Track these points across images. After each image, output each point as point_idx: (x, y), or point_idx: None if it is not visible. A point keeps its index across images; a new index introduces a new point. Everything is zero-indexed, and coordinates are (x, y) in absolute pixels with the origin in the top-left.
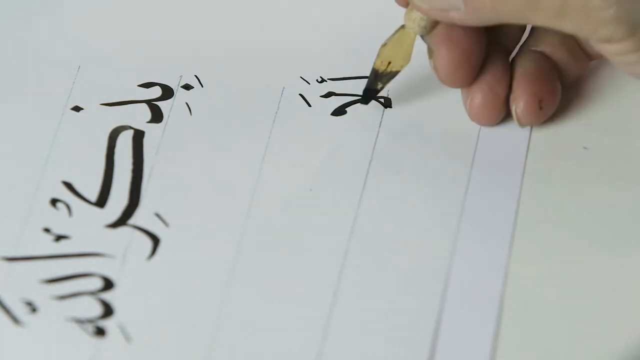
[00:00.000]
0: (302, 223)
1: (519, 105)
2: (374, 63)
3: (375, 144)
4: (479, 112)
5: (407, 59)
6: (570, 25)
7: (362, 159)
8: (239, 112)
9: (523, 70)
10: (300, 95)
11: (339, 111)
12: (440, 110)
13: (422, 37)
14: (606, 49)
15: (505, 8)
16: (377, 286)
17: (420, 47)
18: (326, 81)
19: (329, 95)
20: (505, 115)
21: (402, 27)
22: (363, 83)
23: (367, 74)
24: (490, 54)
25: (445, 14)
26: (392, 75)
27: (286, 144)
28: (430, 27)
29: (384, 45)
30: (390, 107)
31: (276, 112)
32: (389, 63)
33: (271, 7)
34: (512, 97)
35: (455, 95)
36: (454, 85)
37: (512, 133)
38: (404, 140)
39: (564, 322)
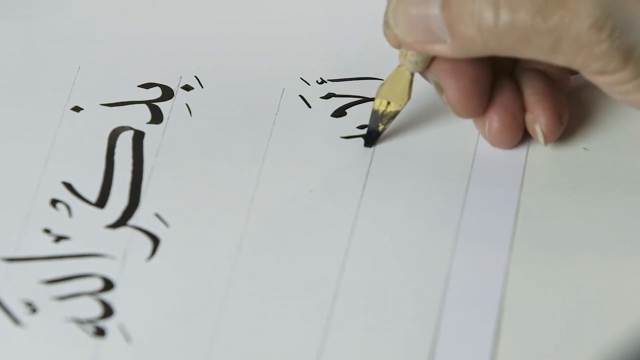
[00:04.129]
0: (302, 224)
1: (542, 123)
2: (374, 104)
3: (375, 146)
4: (500, 136)
5: (405, 98)
6: (564, 60)
7: (362, 160)
8: (239, 113)
9: (533, 90)
10: (300, 96)
11: (339, 112)
12: (439, 113)
13: (425, 76)
14: (600, 81)
15: (496, 43)
16: (377, 286)
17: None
18: (326, 82)
19: (329, 96)
20: None
21: (398, 66)
22: (363, 84)
23: (368, 74)
24: (496, 77)
25: (431, 47)
26: (392, 115)
27: (286, 145)
28: (424, 64)
29: (382, 85)
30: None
31: (276, 113)
32: (388, 103)
33: (271, 8)
34: (530, 118)
35: None
36: (470, 115)
37: None
38: (404, 139)
39: (564, 322)
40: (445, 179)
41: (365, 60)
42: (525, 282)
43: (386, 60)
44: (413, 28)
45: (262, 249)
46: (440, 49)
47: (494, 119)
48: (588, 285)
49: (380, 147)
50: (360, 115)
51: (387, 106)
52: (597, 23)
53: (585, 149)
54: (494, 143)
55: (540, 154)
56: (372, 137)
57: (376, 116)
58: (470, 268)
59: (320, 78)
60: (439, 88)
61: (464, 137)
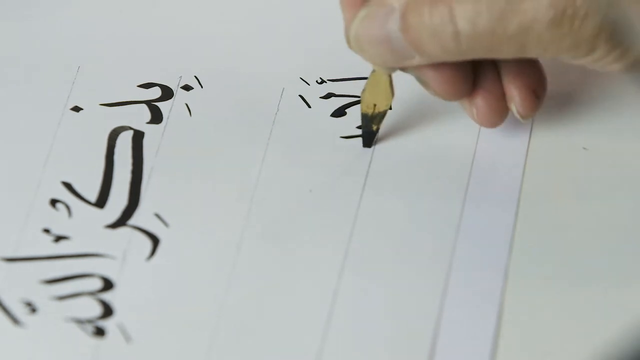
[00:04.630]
0: (302, 224)
1: (515, 101)
2: (360, 109)
3: (375, 145)
4: (486, 117)
5: (389, 97)
6: (535, 55)
7: (362, 160)
8: (239, 113)
9: (507, 70)
10: (300, 96)
11: (339, 112)
12: (439, 112)
13: (406, 70)
14: (576, 63)
15: (463, 55)
16: (377, 286)
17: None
18: (326, 82)
19: (328, 96)
20: (508, 115)
21: (373, 70)
22: (363, 84)
23: (367, 75)
24: (479, 61)
25: (401, 64)
26: (382, 114)
27: (286, 144)
28: (393, 70)
29: (363, 90)
30: (390, 108)
31: (276, 113)
32: (375, 105)
33: (271, 8)
34: (507, 97)
35: None
36: (458, 98)
37: (512, 134)
38: (404, 140)
39: (564, 322)
40: (445, 179)
41: (364, 60)
42: (525, 282)
43: None
44: (379, 53)
45: (262, 248)
46: (411, 62)
47: (480, 103)
48: (588, 284)
49: (380, 147)
50: (360, 115)
51: (374, 108)
52: (555, 20)
53: (585, 148)
54: (482, 124)
55: (540, 153)
56: (369, 138)
57: (367, 119)
58: (470, 267)
59: (320, 78)
60: (422, 82)
61: (464, 137)
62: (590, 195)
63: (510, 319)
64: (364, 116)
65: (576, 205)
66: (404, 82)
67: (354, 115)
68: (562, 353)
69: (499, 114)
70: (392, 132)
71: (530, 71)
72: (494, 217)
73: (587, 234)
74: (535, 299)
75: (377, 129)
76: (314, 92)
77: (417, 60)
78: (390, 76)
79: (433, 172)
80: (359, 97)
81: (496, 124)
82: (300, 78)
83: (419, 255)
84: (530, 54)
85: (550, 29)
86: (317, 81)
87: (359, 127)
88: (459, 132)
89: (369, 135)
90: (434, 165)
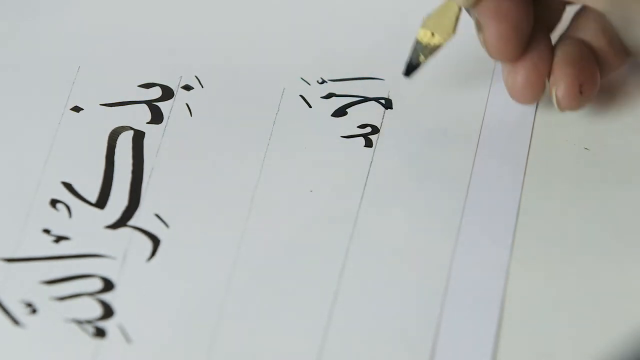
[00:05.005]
0: (302, 224)
1: (559, 88)
2: (417, 34)
3: (375, 146)
4: (521, 91)
5: (450, 32)
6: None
7: (362, 160)
8: (240, 113)
9: (564, 55)
10: (301, 96)
11: (340, 112)
12: (441, 112)
13: (469, 11)
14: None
15: None
16: (378, 286)
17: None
18: (327, 82)
19: (329, 96)
20: (508, 115)
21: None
22: (363, 84)
23: (368, 75)
24: (533, 32)
25: None
26: (435, 48)
27: (287, 144)
28: (474, 0)
29: (428, 16)
30: (391, 108)
31: (276, 113)
32: (432, 35)
33: (272, 8)
34: (552, 80)
35: (455, 100)
36: (503, 58)
37: (513, 134)
38: (404, 141)
39: (565, 322)
40: (446, 179)
41: (365, 60)
42: (526, 282)
43: (386, 60)
44: None
45: (262, 249)
46: None
47: (520, 72)
48: (589, 285)
49: (380, 147)
50: (361, 115)
51: (430, 38)
52: None
53: (586, 148)
54: (513, 96)
55: (541, 153)
56: (411, 69)
57: (419, 47)
58: (471, 268)
59: (321, 78)
60: (479, 26)
61: (464, 138)
62: (591, 196)
63: (511, 318)
64: (417, 43)
65: (577, 206)
66: (404, 83)
67: (355, 115)
68: (563, 353)
69: (534, 91)
70: (393, 134)
71: (586, 67)
72: (495, 217)
73: (588, 233)
74: (536, 299)
75: (424, 62)
76: (315, 92)
77: None
78: (459, 10)
79: (433, 173)
80: (360, 96)
81: (527, 100)
82: (301, 78)
83: (419, 255)
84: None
85: None
86: (317, 81)
87: (360, 127)
88: (459, 134)
89: (413, 66)
90: (435, 166)
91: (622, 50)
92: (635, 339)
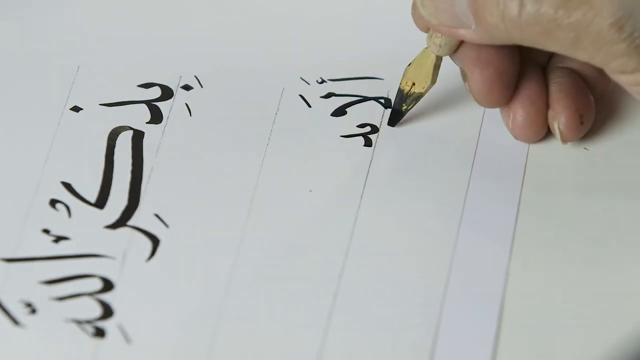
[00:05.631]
0: (302, 224)
1: (561, 121)
2: (400, 83)
3: (375, 145)
4: (523, 129)
5: (429, 80)
6: (584, 55)
7: (362, 160)
8: (239, 112)
9: (559, 87)
10: (300, 96)
11: (339, 112)
12: (440, 112)
13: (453, 59)
14: (621, 80)
15: (519, 34)
16: (378, 287)
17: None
18: (326, 82)
19: (329, 96)
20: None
21: (425, 48)
22: (363, 83)
23: (368, 74)
24: (524, 70)
25: (456, 31)
26: (416, 97)
27: (286, 144)
28: (449, 48)
29: (409, 65)
30: (391, 107)
31: (276, 113)
32: (413, 84)
33: (271, 8)
34: (551, 114)
35: (456, 97)
36: (491, 105)
37: (512, 135)
38: (404, 141)
39: (565, 322)
40: (445, 180)
41: (365, 60)
42: (526, 282)
43: (386, 60)
44: (439, 11)
45: (262, 249)
46: (465, 33)
47: (519, 112)
48: (588, 285)
49: (380, 146)
50: (360, 114)
51: (412, 87)
52: (619, 22)
53: (586, 148)
54: (516, 136)
55: (541, 154)
56: (395, 117)
57: (401, 96)
58: (471, 268)
59: (320, 77)
60: (463, 75)
61: (464, 139)
62: (591, 196)
63: (511, 318)
64: (400, 91)
65: (576, 206)
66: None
67: (355, 115)
68: (563, 352)
69: (536, 128)
70: (393, 134)
71: (583, 97)
72: (495, 217)
73: (588, 233)
74: (536, 299)
75: (406, 110)
76: (314, 92)
77: (471, 32)
78: (438, 60)
79: (433, 173)
80: (359, 96)
81: (530, 138)
82: (301, 78)
83: (419, 255)
84: (583, 50)
85: (611, 28)
86: (317, 81)
87: (359, 126)
88: (459, 136)
89: (396, 114)
90: (435, 166)
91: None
92: (636, 339)
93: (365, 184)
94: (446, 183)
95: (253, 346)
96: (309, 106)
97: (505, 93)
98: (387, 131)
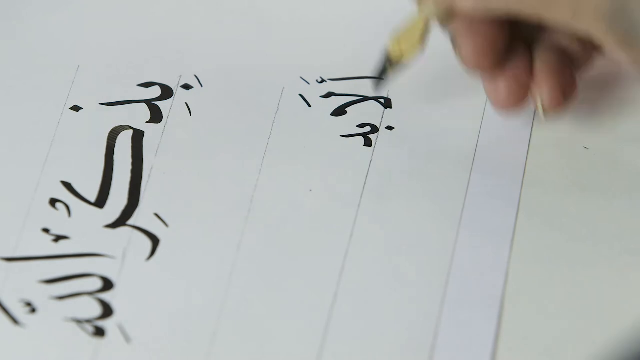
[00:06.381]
0: (302, 223)
1: (543, 94)
2: (387, 48)
3: (375, 144)
4: (505, 103)
5: (417, 47)
6: (583, 26)
7: (362, 160)
8: (239, 112)
9: (544, 63)
10: (300, 95)
11: (339, 111)
12: (440, 111)
13: (444, 27)
14: (618, 57)
15: (518, 4)
16: (378, 286)
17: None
18: (326, 81)
19: (329, 95)
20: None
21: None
22: (363, 83)
23: (368, 74)
24: (512, 46)
25: (453, 2)
26: (401, 64)
27: (286, 144)
28: (443, 15)
29: (397, 31)
30: (391, 107)
31: (276, 113)
32: (401, 48)
33: (271, 7)
34: (535, 89)
35: (455, 97)
36: (485, 68)
37: (512, 133)
38: (403, 141)
39: (565, 322)
40: (445, 179)
41: (365, 60)
42: (526, 281)
43: None
44: None
45: (262, 248)
46: (463, 4)
47: (502, 85)
48: (588, 285)
49: (380, 146)
50: (360, 114)
51: (399, 51)
52: None
53: (585, 148)
54: (496, 107)
55: (541, 153)
56: (378, 84)
57: (386, 61)
58: (471, 267)
59: (320, 77)
60: (454, 42)
61: (464, 138)
62: (590, 195)
63: (511, 317)
64: (385, 57)
65: (576, 205)
66: (405, 78)
67: (355, 115)
68: (562, 352)
69: (517, 100)
70: (393, 134)
71: (566, 72)
72: (494, 217)
73: (587, 233)
74: (536, 298)
75: (388, 77)
76: (314, 91)
77: (469, 2)
78: (427, 24)
79: (433, 173)
80: (359, 96)
81: (510, 110)
82: (301, 77)
83: (419, 255)
84: (580, 24)
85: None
86: (317, 80)
87: (359, 126)
88: (459, 134)
89: (378, 81)
90: (434, 166)
91: (592, 47)
92: (635, 339)
93: (365, 184)
94: (446, 183)
95: (253, 346)
96: (309, 106)
97: (493, 62)
98: (387, 131)
